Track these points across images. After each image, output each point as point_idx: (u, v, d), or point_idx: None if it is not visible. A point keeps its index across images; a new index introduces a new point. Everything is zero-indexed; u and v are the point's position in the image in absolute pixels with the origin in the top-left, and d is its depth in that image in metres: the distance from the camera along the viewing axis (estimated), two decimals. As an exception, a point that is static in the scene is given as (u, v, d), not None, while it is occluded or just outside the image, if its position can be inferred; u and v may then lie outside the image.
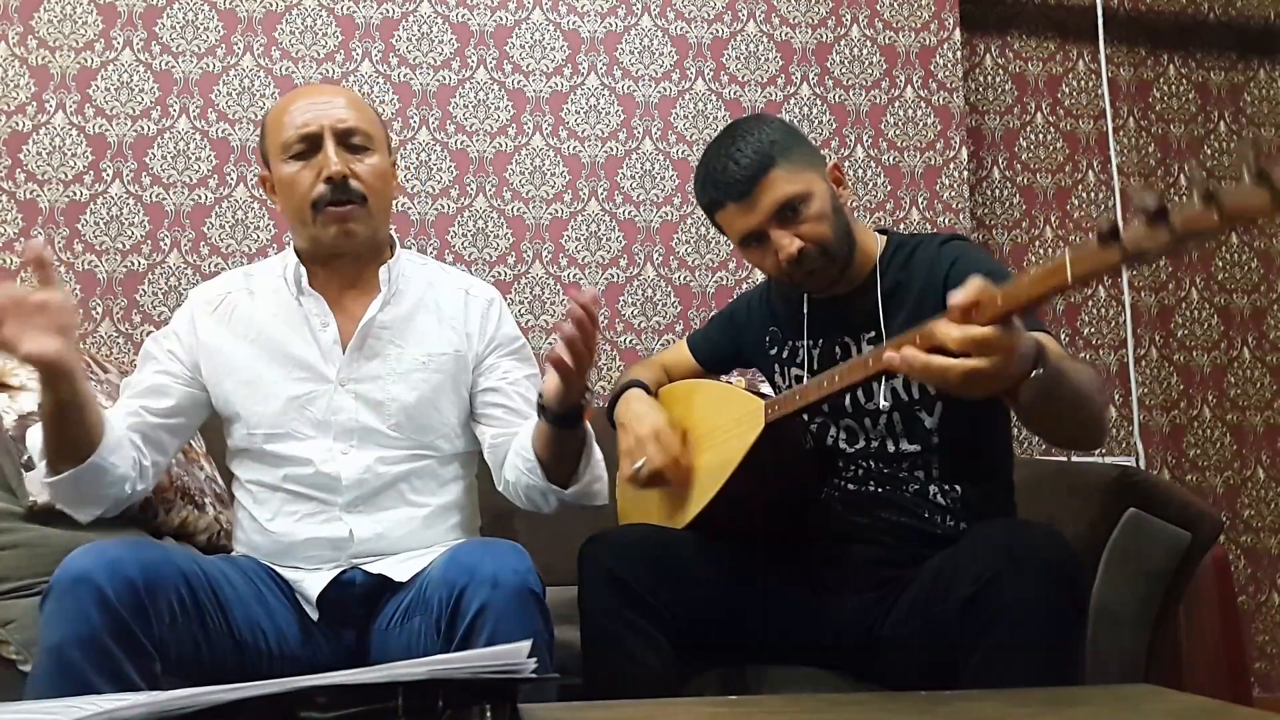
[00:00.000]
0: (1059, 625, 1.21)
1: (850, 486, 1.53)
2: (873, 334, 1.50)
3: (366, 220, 1.48)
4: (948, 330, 1.02)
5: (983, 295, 1.01)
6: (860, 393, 1.50)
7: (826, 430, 1.55)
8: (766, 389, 1.78)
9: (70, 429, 1.32)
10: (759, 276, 2.48)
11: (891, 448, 1.50)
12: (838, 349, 1.54)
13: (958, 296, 1.02)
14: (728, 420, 1.51)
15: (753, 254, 1.50)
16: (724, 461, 1.47)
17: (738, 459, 1.44)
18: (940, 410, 1.47)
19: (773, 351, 1.64)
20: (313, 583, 1.40)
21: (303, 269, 1.51)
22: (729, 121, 2.53)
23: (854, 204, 2.59)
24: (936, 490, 1.49)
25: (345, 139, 1.46)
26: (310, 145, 1.46)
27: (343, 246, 1.48)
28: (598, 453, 1.51)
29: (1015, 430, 2.69)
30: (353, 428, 1.47)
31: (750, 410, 1.47)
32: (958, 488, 1.49)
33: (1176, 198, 2.88)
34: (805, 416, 1.55)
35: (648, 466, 1.50)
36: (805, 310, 1.58)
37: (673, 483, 1.52)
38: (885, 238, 1.56)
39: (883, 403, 1.47)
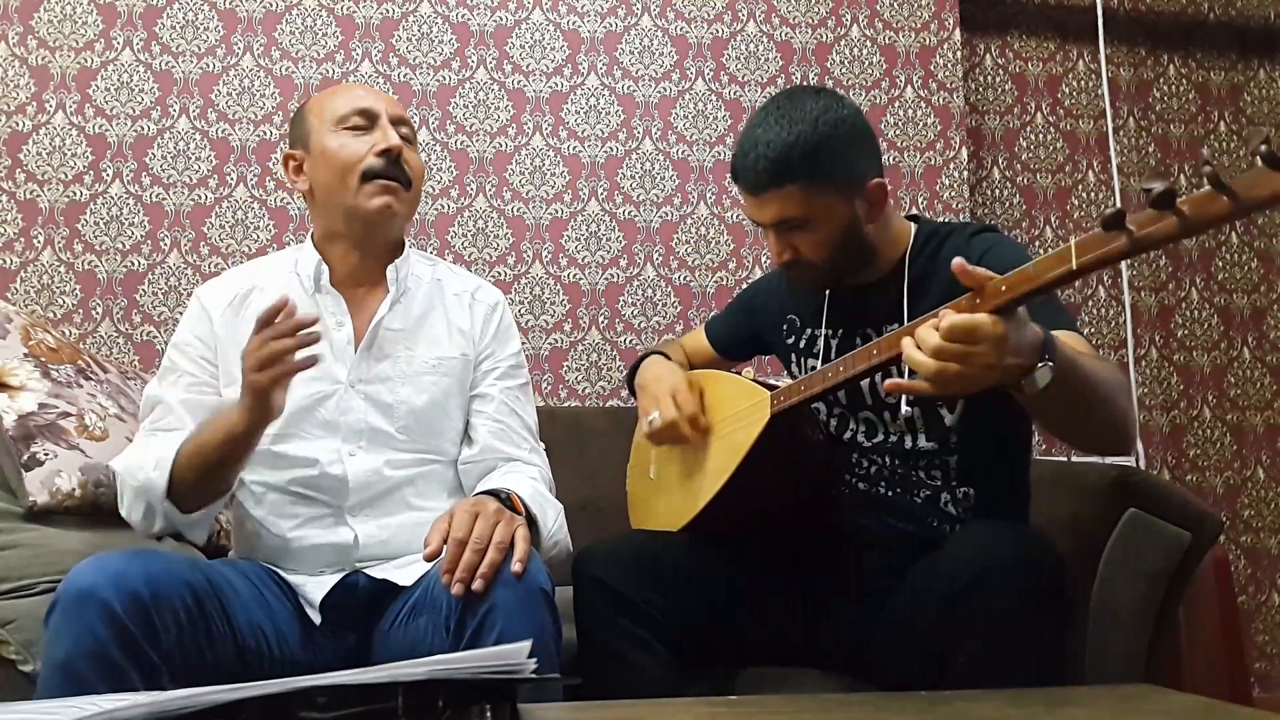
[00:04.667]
0: (1039, 628, 1.19)
1: (861, 486, 1.49)
2: (895, 326, 1.41)
3: (408, 204, 1.51)
4: (944, 319, 1.03)
5: (988, 282, 1.03)
6: (881, 387, 1.44)
7: (846, 423, 1.51)
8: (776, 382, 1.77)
9: (235, 472, 1.37)
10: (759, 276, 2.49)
11: (909, 444, 1.45)
12: (859, 340, 1.47)
13: (964, 275, 1.03)
14: (735, 412, 1.49)
15: (762, 232, 1.49)
16: (731, 454, 1.45)
17: (743, 451, 1.42)
18: (961, 408, 1.43)
19: (790, 340, 1.60)
20: (315, 587, 1.39)
21: (324, 266, 1.51)
22: (729, 121, 2.56)
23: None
24: (949, 497, 1.45)
25: (397, 126, 1.51)
26: (368, 121, 1.49)
27: (381, 222, 1.49)
28: (549, 519, 1.44)
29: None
30: (361, 429, 1.46)
31: (757, 401, 1.44)
32: (971, 491, 1.45)
33: (1183, 184, 2.90)
34: (821, 408, 1.53)
35: (661, 418, 1.50)
36: (826, 298, 1.53)
37: (690, 441, 1.50)
38: (916, 226, 1.51)
39: (904, 406, 1.43)
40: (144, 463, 1.37)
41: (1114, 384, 1.19)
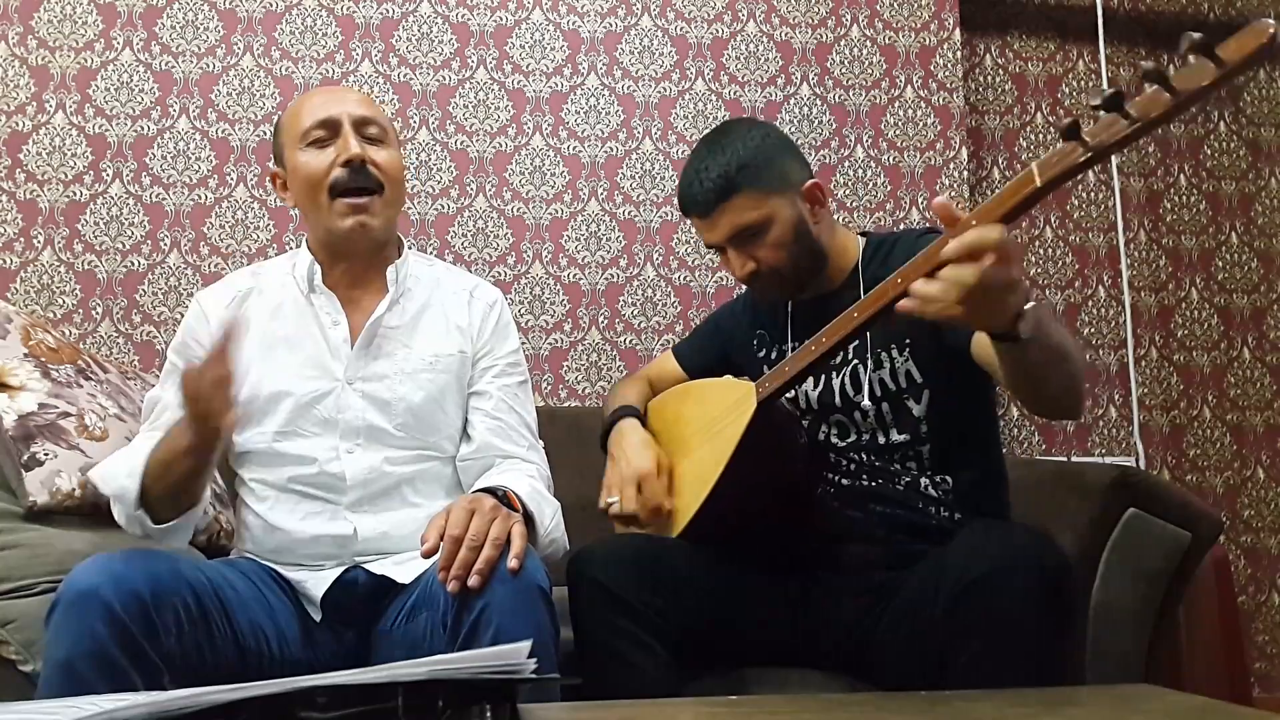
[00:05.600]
0: (1042, 629, 1.19)
1: (844, 482, 1.53)
2: None
3: (383, 211, 1.49)
4: (956, 240, 1.03)
5: (956, 216, 1.06)
6: (850, 387, 1.51)
7: (818, 427, 1.56)
8: None
9: (200, 484, 1.37)
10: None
11: (882, 439, 1.51)
12: None
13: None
14: (721, 409, 1.51)
15: (721, 258, 1.56)
16: (720, 450, 1.46)
17: (734, 443, 1.44)
18: (927, 397, 1.48)
19: (760, 354, 1.65)
20: (316, 583, 1.40)
21: (317, 266, 1.52)
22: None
23: (851, 206, 2.59)
24: (928, 482, 1.49)
25: (362, 128, 1.49)
26: (329, 132, 1.48)
27: (357, 240, 1.49)
28: (546, 516, 1.44)
29: (1014, 431, 2.71)
30: (359, 426, 1.47)
31: (743, 394, 1.47)
32: (948, 479, 1.49)
33: (1184, 183, 2.90)
34: (798, 413, 1.57)
35: (620, 508, 1.53)
36: (789, 313, 1.60)
37: (647, 527, 1.52)
38: (864, 239, 1.59)
39: (866, 401, 1.49)
40: (119, 471, 1.38)
41: (1071, 343, 1.23)
